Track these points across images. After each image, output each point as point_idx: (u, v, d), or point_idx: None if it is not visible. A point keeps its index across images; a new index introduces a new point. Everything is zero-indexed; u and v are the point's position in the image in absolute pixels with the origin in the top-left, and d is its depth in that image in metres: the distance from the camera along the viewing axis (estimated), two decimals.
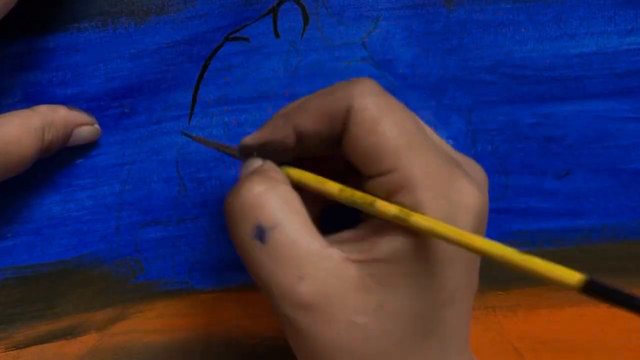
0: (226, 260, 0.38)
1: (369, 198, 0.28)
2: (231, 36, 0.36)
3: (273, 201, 0.28)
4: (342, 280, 0.27)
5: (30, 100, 0.35)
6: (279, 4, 0.36)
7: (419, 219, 0.26)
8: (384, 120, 0.27)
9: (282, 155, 0.31)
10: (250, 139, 0.31)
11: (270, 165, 0.31)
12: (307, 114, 0.29)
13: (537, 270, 0.23)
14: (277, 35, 0.36)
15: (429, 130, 0.31)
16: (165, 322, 0.38)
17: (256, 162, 0.31)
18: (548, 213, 0.37)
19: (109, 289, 0.37)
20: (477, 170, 0.31)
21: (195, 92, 0.36)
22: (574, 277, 0.22)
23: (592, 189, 0.37)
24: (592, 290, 0.21)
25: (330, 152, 0.31)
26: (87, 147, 0.36)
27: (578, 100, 0.36)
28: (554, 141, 0.37)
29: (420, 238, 0.27)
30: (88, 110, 0.35)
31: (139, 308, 0.38)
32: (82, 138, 0.35)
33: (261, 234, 0.27)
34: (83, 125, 0.35)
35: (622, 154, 0.37)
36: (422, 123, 0.30)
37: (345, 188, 0.29)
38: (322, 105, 0.29)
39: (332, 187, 0.29)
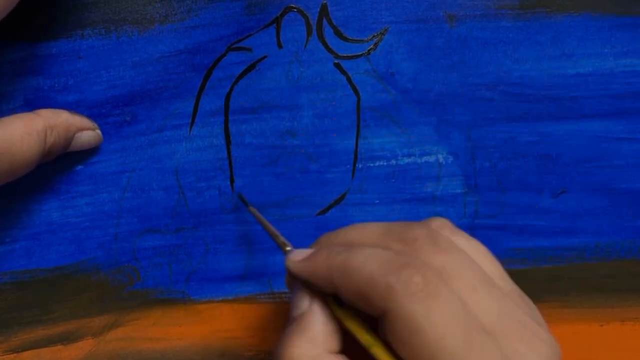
0: (223, 271, 0.38)
1: None
2: (234, 46, 0.36)
3: None
4: None
5: (31, 105, 0.35)
6: (282, 15, 0.36)
7: None
8: (420, 333, 0.25)
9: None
10: (293, 266, 0.30)
11: (317, 316, 0.29)
12: (347, 285, 0.27)
13: None
14: (279, 46, 0.36)
15: (495, 275, 0.28)
16: (161, 331, 0.38)
17: (304, 303, 0.29)
18: (543, 231, 0.38)
19: (105, 295, 0.37)
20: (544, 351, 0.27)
21: (197, 101, 0.36)
22: None
23: (586, 207, 0.38)
24: None
25: None
26: (88, 154, 0.36)
27: (574, 119, 0.37)
28: (551, 160, 0.37)
29: None
30: (89, 117, 0.35)
31: (135, 316, 0.38)
32: (83, 143, 0.35)
33: None
34: (84, 130, 0.35)
35: (616, 173, 0.37)
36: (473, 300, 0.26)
37: (373, 347, 0.27)
38: (362, 288, 0.27)
39: (363, 340, 0.27)
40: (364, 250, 0.28)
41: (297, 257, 0.30)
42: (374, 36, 0.36)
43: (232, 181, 0.37)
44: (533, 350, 0.26)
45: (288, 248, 0.31)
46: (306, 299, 0.29)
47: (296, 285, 0.30)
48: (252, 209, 0.35)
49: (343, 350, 0.28)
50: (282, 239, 0.32)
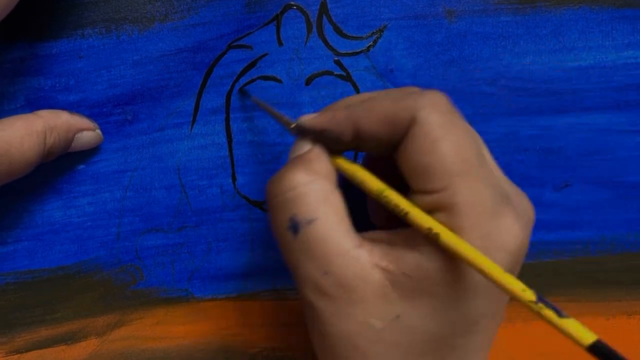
0: (226, 269, 0.38)
1: (404, 207, 0.27)
2: (234, 44, 0.36)
3: (312, 195, 0.28)
4: (366, 284, 0.27)
5: (32, 105, 0.35)
6: (282, 12, 0.36)
7: (450, 238, 0.26)
8: (443, 140, 0.27)
9: (336, 145, 0.30)
10: (307, 122, 0.30)
11: (318, 153, 0.30)
12: (371, 115, 0.28)
13: (552, 321, 0.23)
14: (280, 44, 0.36)
15: (487, 154, 0.30)
16: (165, 330, 0.38)
17: (305, 146, 0.30)
18: (547, 225, 0.38)
19: (108, 295, 0.37)
20: (525, 206, 0.30)
21: (198, 99, 0.36)
22: (587, 338, 0.22)
23: (590, 201, 0.37)
24: (598, 351, 0.22)
25: (384, 154, 0.30)
26: (89, 154, 0.36)
27: (576, 113, 0.37)
28: (553, 153, 0.37)
29: (449, 261, 0.26)
30: (90, 116, 0.35)
31: (139, 315, 0.38)
32: (84, 143, 0.35)
33: (295, 226, 0.28)
34: (85, 130, 0.35)
35: (620, 166, 0.37)
36: (483, 147, 0.29)
37: (385, 191, 0.28)
38: (388, 110, 0.28)
39: (372, 187, 0.28)
40: (382, 91, 0.31)
41: (310, 115, 0.30)
42: (373, 33, 0.36)
43: (234, 179, 0.37)
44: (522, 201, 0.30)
45: (293, 125, 0.31)
46: (309, 143, 0.30)
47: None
48: (254, 98, 0.36)
49: None
50: (286, 118, 0.33)
